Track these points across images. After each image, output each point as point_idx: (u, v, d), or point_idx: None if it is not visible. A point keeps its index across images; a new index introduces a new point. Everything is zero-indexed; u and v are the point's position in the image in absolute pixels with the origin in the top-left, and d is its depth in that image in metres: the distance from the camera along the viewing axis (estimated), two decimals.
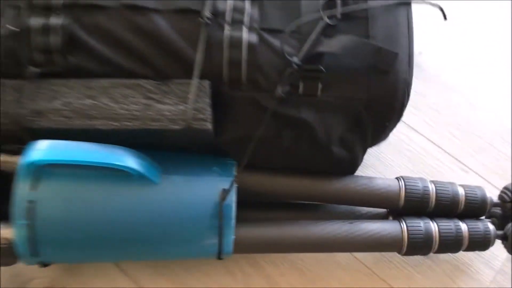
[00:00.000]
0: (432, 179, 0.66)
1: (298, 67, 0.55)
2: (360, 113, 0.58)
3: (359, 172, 0.66)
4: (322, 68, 0.55)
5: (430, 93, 0.82)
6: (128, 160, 0.55)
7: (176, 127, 0.54)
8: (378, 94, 0.57)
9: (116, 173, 0.55)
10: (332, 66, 0.56)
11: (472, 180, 0.76)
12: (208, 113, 0.55)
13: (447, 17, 0.69)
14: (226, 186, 0.58)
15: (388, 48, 0.55)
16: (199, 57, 0.55)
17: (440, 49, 0.85)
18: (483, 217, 0.67)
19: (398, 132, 0.78)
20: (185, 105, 0.55)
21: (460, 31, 0.87)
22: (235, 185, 0.58)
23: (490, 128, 0.80)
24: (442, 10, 0.58)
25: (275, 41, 0.56)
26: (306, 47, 0.55)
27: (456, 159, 0.78)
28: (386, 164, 0.77)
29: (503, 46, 0.86)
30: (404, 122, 0.79)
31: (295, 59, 0.55)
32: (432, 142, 0.79)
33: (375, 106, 0.57)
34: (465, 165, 0.78)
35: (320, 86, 0.56)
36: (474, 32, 0.87)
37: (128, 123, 0.55)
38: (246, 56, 0.55)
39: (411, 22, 0.59)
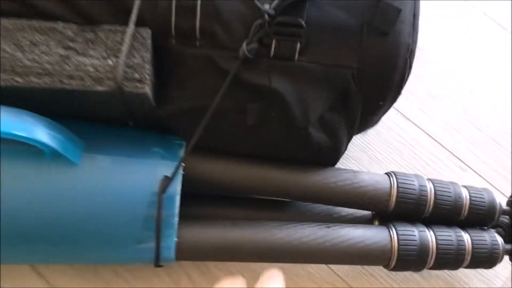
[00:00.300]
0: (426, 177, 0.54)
1: (271, 18, 0.41)
2: (348, 87, 0.44)
3: (340, 164, 0.53)
4: (302, 22, 0.42)
5: (427, 76, 0.69)
6: (36, 130, 0.41)
7: (102, 88, 0.40)
8: (372, 61, 0.44)
9: (22, 147, 0.41)
10: (315, 20, 0.43)
11: (471, 180, 0.65)
12: (146, 72, 0.41)
13: None
14: (169, 172, 0.44)
15: (389, 2, 0.42)
16: None
17: (441, 27, 0.73)
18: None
19: (388, 120, 0.66)
20: (115, 59, 0.41)
21: (465, 7, 0.74)
22: (181, 172, 0.45)
23: (493, 120, 0.68)
24: None
25: None
26: None
27: (454, 154, 0.66)
28: (372, 157, 0.64)
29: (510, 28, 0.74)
30: (396, 109, 0.67)
31: (266, 7, 0.41)
32: (426, 133, 0.66)
33: (367, 77, 0.44)
34: (464, 162, 0.65)
35: (298, 46, 0.43)
36: (479, 10, 0.75)
37: (37, 80, 0.40)
38: (200, 0, 0.41)
39: None
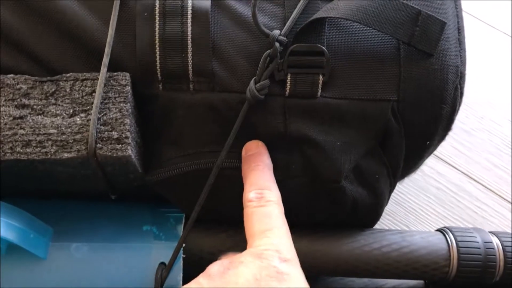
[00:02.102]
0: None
1: (283, 47, 0.32)
2: (388, 125, 0.35)
3: None
4: (324, 49, 0.33)
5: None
6: None
7: (69, 155, 0.30)
8: (415, 91, 0.34)
9: None
10: (338, 45, 0.34)
11: None
12: (126, 128, 0.31)
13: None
14: (167, 257, 0.33)
15: (431, 14, 0.33)
16: (111, 33, 0.31)
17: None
18: None
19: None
20: (85, 116, 0.31)
21: (498, 37, 0.66)
22: (181, 256, 0.34)
23: None
24: None
25: (241, 6, 0.34)
26: (294, 13, 0.33)
27: (502, 197, 0.55)
28: (408, 209, 0.53)
29: None
30: None
31: (276, 33, 0.32)
32: (466, 175, 0.56)
33: (410, 112, 0.35)
34: None
35: (321, 80, 0.33)
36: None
37: None
38: (191, 29, 0.32)
39: None
